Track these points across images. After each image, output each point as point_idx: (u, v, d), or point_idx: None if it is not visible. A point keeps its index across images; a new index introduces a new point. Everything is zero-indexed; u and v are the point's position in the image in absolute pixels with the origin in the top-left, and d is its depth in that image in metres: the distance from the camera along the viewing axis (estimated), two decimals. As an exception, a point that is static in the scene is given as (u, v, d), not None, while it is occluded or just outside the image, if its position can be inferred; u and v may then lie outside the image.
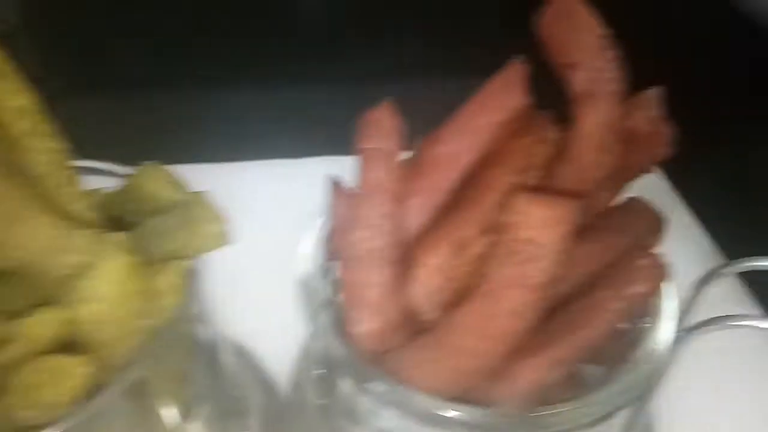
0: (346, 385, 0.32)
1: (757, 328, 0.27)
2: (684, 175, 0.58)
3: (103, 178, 0.32)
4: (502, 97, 0.31)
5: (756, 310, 0.47)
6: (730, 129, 0.56)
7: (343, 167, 0.32)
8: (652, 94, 0.28)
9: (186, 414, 0.29)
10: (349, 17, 0.77)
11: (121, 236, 0.22)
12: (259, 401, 0.40)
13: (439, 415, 0.27)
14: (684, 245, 0.52)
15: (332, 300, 0.34)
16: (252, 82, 0.72)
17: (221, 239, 0.26)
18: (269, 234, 0.51)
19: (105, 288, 0.20)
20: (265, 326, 0.44)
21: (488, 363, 0.26)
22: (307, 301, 0.31)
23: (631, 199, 0.33)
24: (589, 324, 0.26)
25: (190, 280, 0.28)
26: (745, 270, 0.31)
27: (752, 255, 0.32)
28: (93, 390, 0.23)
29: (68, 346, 0.21)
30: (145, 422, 0.28)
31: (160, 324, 0.25)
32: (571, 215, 0.25)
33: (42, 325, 0.20)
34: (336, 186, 0.33)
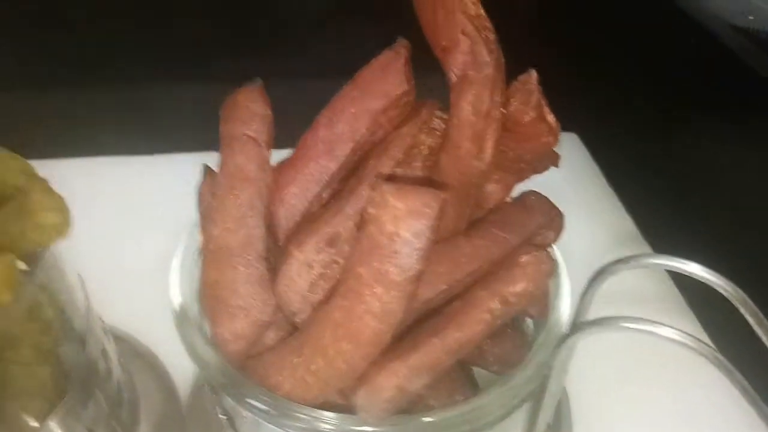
0: (225, 397, 0.29)
1: (651, 333, 0.25)
2: (617, 164, 0.57)
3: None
4: (380, 83, 0.29)
5: (678, 313, 0.46)
6: (670, 123, 0.56)
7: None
8: (530, 78, 0.26)
9: (47, 417, 0.26)
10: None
11: None
12: (156, 407, 0.37)
13: (302, 419, 0.25)
14: (610, 235, 0.51)
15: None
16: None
17: (58, 230, 0.23)
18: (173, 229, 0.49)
19: None
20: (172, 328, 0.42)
21: (352, 367, 0.24)
22: (175, 306, 0.28)
23: (527, 194, 0.31)
24: (463, 325, 0.24)
25: (34, 274, 0.25)
26: (639, 267, 0.29)
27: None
28: None
29: None
30: (1, 426, 0.25)
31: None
32: (435, 208, 0.23)
33: None
34: (209, 172, 0.30)
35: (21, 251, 0.24)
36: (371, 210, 0.23)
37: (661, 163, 0.53)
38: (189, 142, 0.57)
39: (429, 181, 0.28)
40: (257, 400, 0.25)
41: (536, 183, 0.30)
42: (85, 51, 0.67)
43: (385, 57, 0.29)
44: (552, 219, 0.31)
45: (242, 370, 0.26)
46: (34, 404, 0.26)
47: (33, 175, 0.26)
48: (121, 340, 0.40)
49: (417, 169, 0.28)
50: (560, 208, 0.31)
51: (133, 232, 0.48)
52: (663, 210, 0.51)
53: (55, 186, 0.35)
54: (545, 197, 0.31)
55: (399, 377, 0.23)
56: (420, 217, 0.23)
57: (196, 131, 0.58)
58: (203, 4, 0.69)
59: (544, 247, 0.30)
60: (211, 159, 0.57)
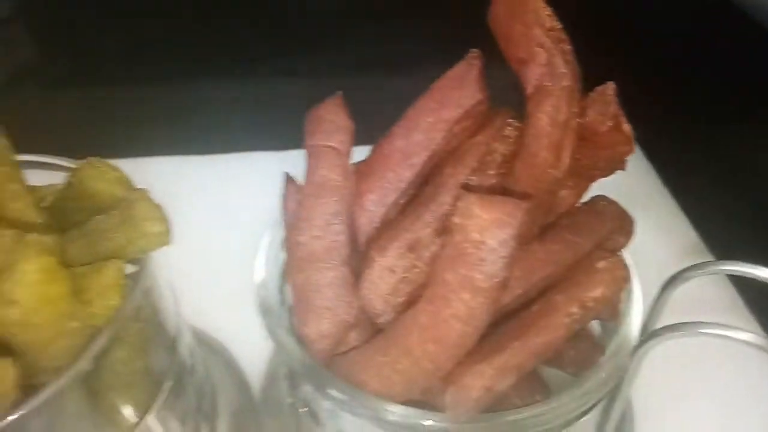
0: (306, 388, 0.31)
1: (728, 337, 0.26)
2: (678, 174, 0.57)
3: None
4: (455, 93, 0.29)
5: (739, 319, 0.46)
6: (730, 129, 0.55)
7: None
8: (608, 89, 0.27)
9: (147, 411, 0.28)
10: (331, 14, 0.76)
11: (44, 237, 0.21)
12: (232, 399, 0.39)
13: (392, 420, 0.26)
14: (673, 243, 0.51)
15: (288, 304, 0.33)
16: (229, 75, 0.72)
17: (161, 238, 0.25)
18: (246, 228, 0.51)
19: (21, 291, 0.19)
20: (241, 324, 0.44)
21: (438, 367, 0.25)
22: (261, 302, 0.30)
23: (597, 198, 0.32)
24: (544, 329, 0.25)
25: (137, 278, 0.27)
26: (712, 273, 0.30)
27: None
28: (30, 391, 0.22)
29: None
30: (103, 420, 0.27)
31: (100, 324, 0.25)
32: (518, 217, 0.24)
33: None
34: (289, 180, 0.32)
35: (126, 258, 0.26)
36: (457, 220, 0.24)
37: (719, 168, 0.53)
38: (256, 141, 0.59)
39: (504, 190, 0.29)
40: (343, 393, 0.26)
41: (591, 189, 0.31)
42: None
43: (460, 68, 0.30)
44: (622, 224, 0.31)
45: (327, 367, 0.28)
46: (134, 399, 0.28)
47: (131, 186, 0.28)
48: (197, 335, 0.42)
49: (491, 176, 0.29)
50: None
51: (206, 230, 0.50)
52: (721, 214, 0.51)
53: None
54: (615, 202, 0.31)
55: (486, 378, 0.24)
56: (504, 227, 0.24)
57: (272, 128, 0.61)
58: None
59: (616, 251, 0.31)
60: (282, 157, 0.59)
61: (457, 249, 0.24)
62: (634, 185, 0.32)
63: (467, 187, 0.28)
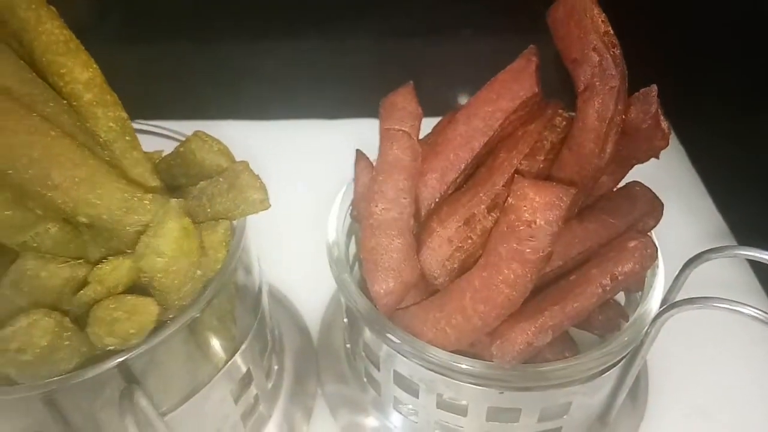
0: (367, 335, 0.35)
1: (737, 312, 0.29)
2: (709, 160, 0.59)
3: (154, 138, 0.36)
4: (513, 86, 0.33)
5: (749, 296, 0.49)
6: (761, 119, 0.57)
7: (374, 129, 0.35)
8: (650, 91, 0.30)
9: (232, 349, 0.33)
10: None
11: (180, 201, 0.25)
12: (295, 341, 0.44)
13: (443, 362, 0.30)
14: (698, 226, 0.54)
15: (355, 260, 0.37)
16: (282, 41, 0.75)
17: (263, 204, 0.29)
18: (308, 191, 0.55)
19: (166, 245, 0.24)
20: (301, 276, 0.49)
21: (486, 324, 0.29)
22: (334, 261, 0.35)
23: (632, 184, 0.35)
24: (579, 296, 0.29)
25: (235, 236, 0.31)
26: (729, 257, 0.33)
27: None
28: (158, 325, 0.27)
29: (135, 288, 0.26)
30: (199, 354, 0.32)
31: (211, 274, 0.29)
32: (566, 201, 0.27)
33: (115, 272, 0.24)
34: (360, 156, 0.36)
35: (231, 219, 0.30)
36: (512, 200, 0.28)
37: (749, 156, 0.55)
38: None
39: (550, 176, 0.32)
40: (401, 340, 0.31)
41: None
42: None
43: (519, 63, 0.33)
44: (653, 208, 0.35)
45: (390, 318, 0.32)
46: (227, 339, 0.32)
47: (232, 157, 0.32)
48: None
49: (540, 161, 0.33)
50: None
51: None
52: (747, 201, 0.53)
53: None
54: (648, 188, 0.35)
55: (528, 335, 0.28)
56: (554, 208, 0.27)
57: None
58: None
59: (645, 232, 0.34)
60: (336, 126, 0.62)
61: (511, 225, 0.28)
62: (667, 169, 0.35)
63: (520, 172, 0.31)
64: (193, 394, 0.30)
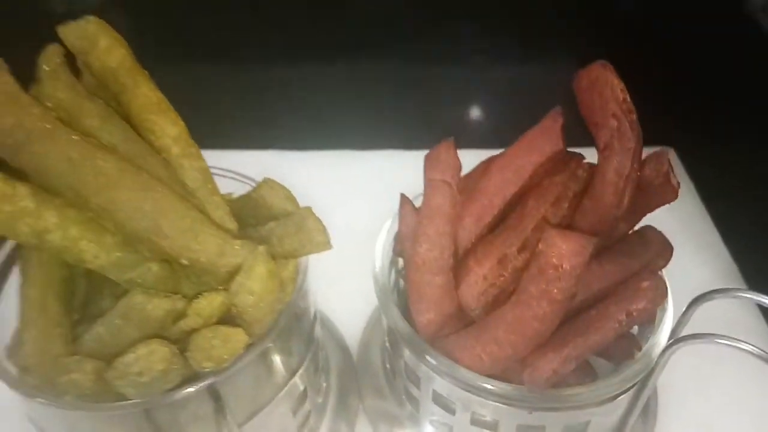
0: (409, 357, 0.40)
1: (736, 347, 0.33)
2: (721, 202, 0.62)
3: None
4: (541, 142, 0.38)
5: (754, 335, 0.52)
6: None
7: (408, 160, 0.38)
8: (663, 154, 0.35)
9: (293, 370, 0.37)
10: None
11: (265, 247, 0.30)
12: (338, 360, 0.49)
13: (478, 385, 0.35)
14: (708, 266, 0.57)
15: (397, 288, 0.42)
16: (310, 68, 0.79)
17: (326, 246, 0.34)
18: (346, 221, 0.59)
19: (257, 285, 0.28)
20: (340, 299, 0.53)
21: (517, 353, 0.34)
22: (379, 288, 0.39)
23: (646, 228, 0.40)
24: (599, 330, 0.33)
25: (300, 272, 0.36)
26: (734, 297, 0.37)
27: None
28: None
29: (225, 319, 0.30)
30: (267, 374, 0.35)
31: (282, 306, 0.34)
32: (589, 249, 0.32)
33: (210, 306, 0.29)
34: (404, 200, 0.41)
35: (297, 257, 0.35)
36: (542, 247, 0.33)
37: (763, 200, 0.57)
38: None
39: (572, 224, 0.37)
40: (440, 363, 0.35)
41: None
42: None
43: (546, 122, 0.38)
44: (664, 250, 0.39)
45: (431, 344, 0.37)
46: (288, 360, 0.37)
47: (296, 202, 0.37)
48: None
49: (564, 209, 0.37)
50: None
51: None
52: (758, 244, 0.56)
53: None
54: (659, 232, 0.39)
55: (555, 364, 0.33)
56: (578, 255, 0.32)
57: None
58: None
59: (656, 271, 0.39)
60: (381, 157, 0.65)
61: (541, 269, 0.33)
62: (680, 212, 0.39)
63: (547, 220, 0.36)
64: (260, 410, 0.35)
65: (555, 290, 0.32)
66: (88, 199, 0.29)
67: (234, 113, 0.74)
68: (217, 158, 0.39)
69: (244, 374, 0.31)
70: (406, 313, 0.38)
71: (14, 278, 0.35)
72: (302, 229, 0.34)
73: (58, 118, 0.31)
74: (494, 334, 0.34)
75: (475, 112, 0.78)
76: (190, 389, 0.29)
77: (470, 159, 0.40)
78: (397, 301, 0.40)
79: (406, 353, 0.39)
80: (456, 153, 0.37)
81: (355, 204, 0.61)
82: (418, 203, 0.39)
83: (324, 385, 0.43)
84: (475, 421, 0.37)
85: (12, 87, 0.30)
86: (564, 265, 0.32)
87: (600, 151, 0.35)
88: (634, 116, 0.35)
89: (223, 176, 0.41)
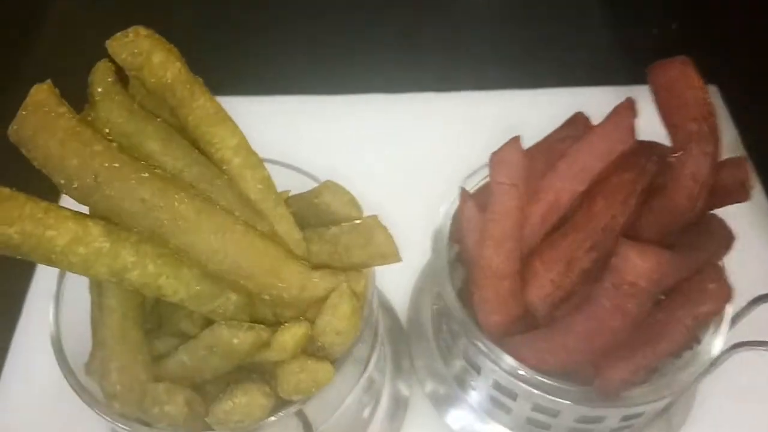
0: (473, 349, 0.40)
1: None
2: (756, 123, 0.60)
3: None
4: (612, 138, 0.36)
5: None
6: None
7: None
8: (741, 160, 0.34)
9: (364, 365, 0.38)
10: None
11: (349, 284, 0.30)
12: (387, 325, 0.50)
13: (546, 384, 0.36)
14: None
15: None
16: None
17: (395, 258, 0.34)
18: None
19: (343, 324, 0.29)
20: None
21: (586, 360, 0.35)
22: (445, 291, 0.39)
23: (711, 218, 0.39)
24: (667, 337, 0.34)
25: (369, 281, 0.36)
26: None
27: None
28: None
29: (306, 350, 0.31)
30: (344, 380, 0.36)
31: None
32: (664, 264, 0.32)
33: (294, 339, 0.30)
34: (465, 194, 0.40)
35: (363, 268, 0.35)
36: (617, 262, 0.33)
37: None
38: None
39: (641, 220, 0.37)
40: (512, 366, 0.37)
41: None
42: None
43: (617, 116, 0.37)
44: (727, 240, 0.39)
45: (497, 343, 0.38)
46: (361, 363, 0.38)
47: (359, 206, 0.36)
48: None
49: (632, 206, 0.37)
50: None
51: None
52: None
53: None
54: (724, 222, 0.39)
55: (625, 374, 0.34)
56: (653, 273, 0.32)
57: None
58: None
59: (720, 269, 0.38)
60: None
61: (615, 284, 0.33)
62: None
63: (617, 221, 0.36)
64: (338, 408, 0.36)
65: (629, 305, 0.32)
66: (166, 240, 0.29)
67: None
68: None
69: (326, 391, 0.32)
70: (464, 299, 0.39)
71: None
72: (371, 242, 0.33)
73: (118, 146, 0.30)
74: (563, 341, 0.35)
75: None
76: (281, 415, 0.30)
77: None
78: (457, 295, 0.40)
79: (470, 348, 0.40)
80: (522, 153, 0.36)
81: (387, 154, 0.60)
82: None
83: (384, 362, 0.45)
84: (536, 408, 0.39)
85: (71, 121, 0.28)
86: (640, 283, 0.32)
87: (675, 151, 0.34)
88: (714, 119, 0.34)
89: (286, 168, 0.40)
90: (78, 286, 0.35)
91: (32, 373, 0.48)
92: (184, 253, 0.29)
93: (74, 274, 0.29)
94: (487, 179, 0.42)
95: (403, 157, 0.60)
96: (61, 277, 0.37)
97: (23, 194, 0.28)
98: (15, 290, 0.53)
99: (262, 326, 0.30)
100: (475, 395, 0.44)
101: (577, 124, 0.42)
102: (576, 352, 0.34)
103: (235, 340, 0.29)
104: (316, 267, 0.31)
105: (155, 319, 0.35)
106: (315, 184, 0.38)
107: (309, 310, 0.31)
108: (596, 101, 0.40)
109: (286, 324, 0.30)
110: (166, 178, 0.29)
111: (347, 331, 0.29)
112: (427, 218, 0.43)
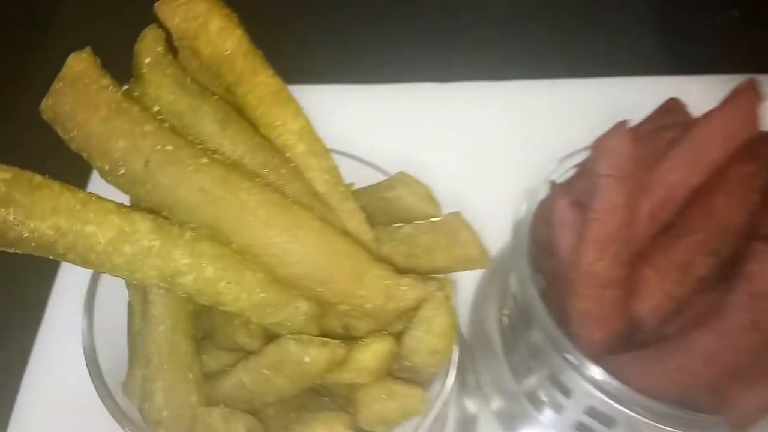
0: (564, 368, 0.35)
1: None
2: None
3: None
4: (733, 125, 0.31)
5: None
6: None
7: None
8: None
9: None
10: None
11: (444, 293, 0.25)
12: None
13: (659, 411, 0.31)
14: None
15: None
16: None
17: (483, 263, 0.29)
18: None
19: (440, 342, 0.24)
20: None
21: (712, 384, 0.30)
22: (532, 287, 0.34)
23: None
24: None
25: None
26: None
27: None
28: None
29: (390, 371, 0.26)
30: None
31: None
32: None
33: (374, 359, 0.25)
34: (556, 186, 0.35)
35: (447, 273, 0.30)
36: (752, 267, 0.28)
37: None
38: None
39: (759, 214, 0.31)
40: (614, 389, 0.31)
41: None
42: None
43: (737, 99, 0.32)
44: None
45: (597, 362, 0.32)
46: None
47: (437, 202, 0.31)
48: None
49: (755, 203, 0.32)
50: None
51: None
52: None
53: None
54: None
55: (763, 400, 0.29)
56: (800, 281, 0.27)
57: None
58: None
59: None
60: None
61: (751, 294, 0.28)
62: None
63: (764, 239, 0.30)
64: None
65: (765, 320, 0.27)
66: (228, 238, 0.24)
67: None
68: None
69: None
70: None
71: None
72: (456, 244, 0.29)
73: (170, 127, 0.25)
74: (683, 362, 0.30)
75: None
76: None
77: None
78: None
79: (558, 365, 0.35)
80: (632, 141, 0.31)
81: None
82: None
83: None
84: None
85: (116, 96, 0.24)
86: (783, 293, 0.27)
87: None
88: None
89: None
90: (110, 292, 0.31)
91: (52, 389, 0.44)
92: (249, 254, 0.24)
93: (108, 278, 0.25)
94: (573, 171, 0.37)
95: (473, 149, 0.55)
96: (94, 281, 0.32)
97: (58, 182, 0.23)
98: (35, 297, 0.48)
99: (337, 342, 0.25)
100: (551, 414, 0.39)
101: (675, 111, 0.37)
102: (701, 376, 0.29)
103: (307, 358, 0.25)
104: (401, 272, 0.26)
105: (202, 330, 0.31)
106: (382, 177, 0.33)
107: (392, 324, 0.26)
108: (674, 91, 0.36)
109: (365, 339, 0.25)
110: (227, 164, 0.25)
111: (444, 351, 0.24)
112: (488, 214, 0.37)
